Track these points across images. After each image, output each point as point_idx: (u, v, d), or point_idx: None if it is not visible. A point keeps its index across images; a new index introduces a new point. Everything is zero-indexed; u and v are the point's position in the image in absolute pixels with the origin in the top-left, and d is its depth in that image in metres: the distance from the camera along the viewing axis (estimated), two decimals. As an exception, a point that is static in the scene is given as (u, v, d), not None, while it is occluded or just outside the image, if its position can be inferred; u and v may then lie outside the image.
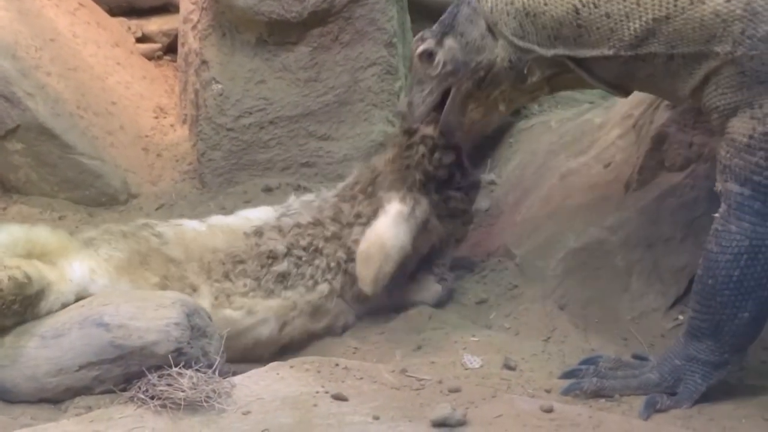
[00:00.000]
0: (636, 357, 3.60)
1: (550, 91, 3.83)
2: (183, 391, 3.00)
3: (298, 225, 3.99)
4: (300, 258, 3.90)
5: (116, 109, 5.20)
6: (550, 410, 3.04)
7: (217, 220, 4.04)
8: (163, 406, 3.00)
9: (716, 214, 3.29)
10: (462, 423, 2.91)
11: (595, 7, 3.28)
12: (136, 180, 4.99)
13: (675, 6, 3.13)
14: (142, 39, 6.14)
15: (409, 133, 4.07)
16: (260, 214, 4.09)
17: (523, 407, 3.04)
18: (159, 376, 3.09)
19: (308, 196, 4.24)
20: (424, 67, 3.87)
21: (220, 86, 4.90)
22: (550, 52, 3.49)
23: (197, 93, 5.02)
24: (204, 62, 4.97)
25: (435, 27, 3.85)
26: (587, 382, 3.36)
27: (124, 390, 3.17)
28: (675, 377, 3.33)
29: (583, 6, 3.29)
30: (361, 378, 3.19)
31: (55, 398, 3.26)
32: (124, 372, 3.20)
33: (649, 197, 3.99)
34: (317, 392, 3.09)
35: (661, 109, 4.00)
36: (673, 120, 3.97)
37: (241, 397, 3.07)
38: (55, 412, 3.23)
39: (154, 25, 6.23)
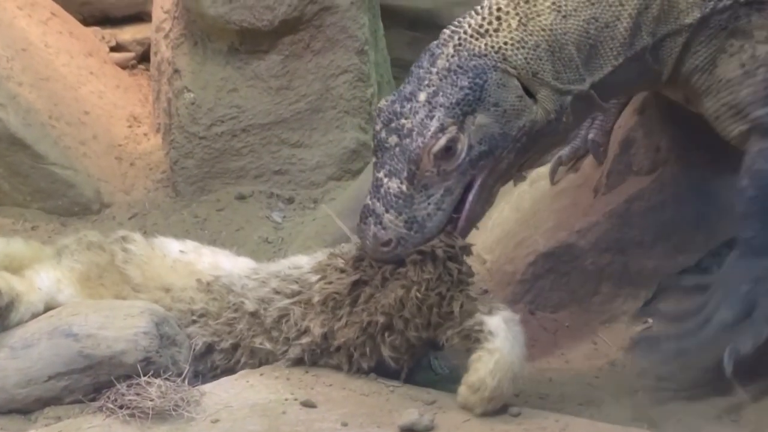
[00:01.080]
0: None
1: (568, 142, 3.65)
2: (151, 400, 3.00)
3: (236, 309, 3.40)
4: (216, 363, 3.41)
5: (89, 119, 5.20)
6: (517, 414, 3.05)
7: (194, 256, 3.65)
8: (132, 415, 3.00)
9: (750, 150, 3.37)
10: (430, 428, 2.92)
11: (596, 20, 3.29)
12: (109, 189, 5.00)
13: None
14: (116, 48, 6.14)
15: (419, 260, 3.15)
16: (233, 265, 3.61)
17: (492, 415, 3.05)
18: (128, 386, 3.09)
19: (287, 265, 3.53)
20: (437, 165, 3.12)
21: (192, 95, 4.92)
22: (585, 86, 3.30)
23: (170, 102, 5.03)
24: (176, 71, 4.98)
25: (439, 113, 3.13)
26: (667, 346, 3.42)
27: (93, 400, 3.16)
28: (748, 304, 3.28)
29: (589, 24, 3.28)
30: (331, 385, 3.20)
31: (25, 408, 3.25)
32: (94, 382, 3.20)
33: (617, 201, 4.02)
34: (286, 399, 3.10)
35: (628, 114, 4.04)
36: (640, 124, 4.00)
37: (210, 406, 3.07)
38: (25, 423, 3.22)
39: (127, 34, 6.24)
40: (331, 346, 3.23)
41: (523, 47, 3.20)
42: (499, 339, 3.05)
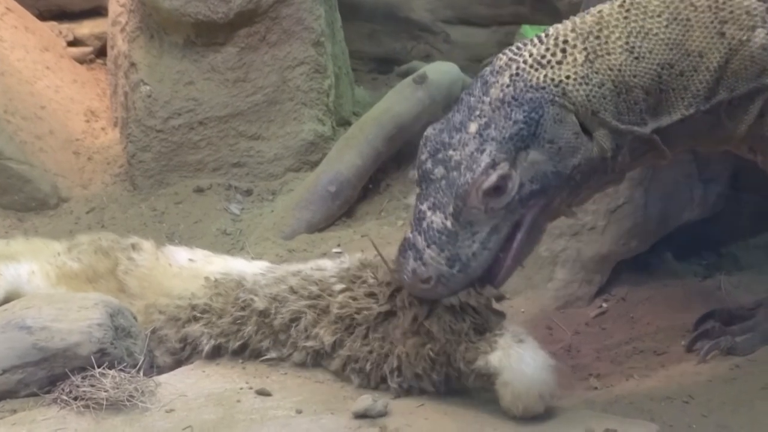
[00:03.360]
0: (741, 308, 3.78)
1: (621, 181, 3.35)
2: (106, 391, 3.00)
3: (244, 307, 3.31)
4: (212, 335, 3.32)
5: (45, 114, 5.18)
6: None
7: (203, 264, 3.57)
8: (86, 406, 2.99)
9: None
10: (383, 414, 2.93)
11: (671, 67, 3.11)
12: (66, 184, 4.98)
13: (730, 48, 3.12)
14: (74, 43, 6.13)
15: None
16: (246, 265, 3.53)
17: (444, 396, 3.08)
18: (82, 377, 3.08)
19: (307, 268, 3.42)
20: (485, 202, 2.92)
21: (148, 88, 4.91)
22: (647, 129, 3.12)
23: (126, 95, 5.02)
24: (132, 64, 4.97)
25: (491, 148, 2.93)
26: (723, 341, 3.57)
27: (49, 392, 3.15)
28: None
29: (662, 69, 3.09)
30: (286, 373, 3.21)
31: (-20, 402, 3.25)
32: (49, 374, 3.18)
33: (571, 187, 4.05)
34: (241, 388, 3.11)
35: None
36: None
37: (165, 396, 3.07)
38: (-21, 417, 3.22)
39: (85, 28, 6.22)
40: (337, 355, 3.17)
41: (587, 84, 3.01)
42: (506, 373, 2.94)
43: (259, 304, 3.25)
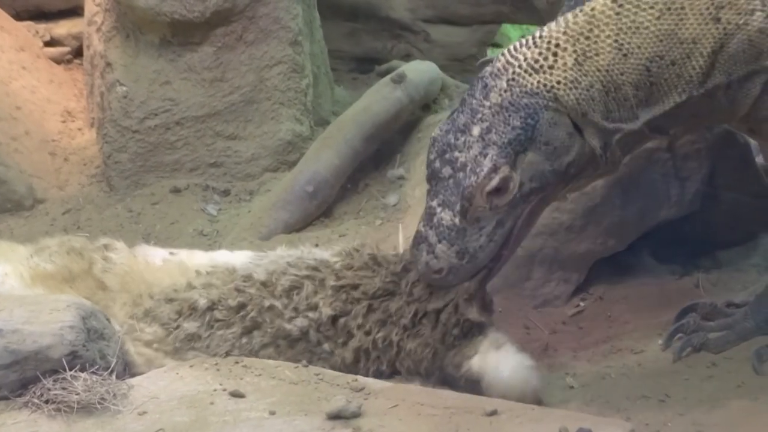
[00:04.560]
0: (730, 305, 3.77)
1: (616, 170, 3.47)
2: (77, 394, 2.97)
3: (246, 279, 3.50)
4: (217, 320, 3.43)
5: (21, 114, 5.15)
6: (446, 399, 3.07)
7: (186, 256, 3.70)
8: (57, 410, 2.96)
9: None
10: (357, 415, 2.92)
11: (661, 59, 3.18)
12: (42, 185, 4.95)
13: (725, 33, 3.16)
14: (51, 43, 6.08)
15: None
16: (234, 258, 3.66)
17: (418, 397, 3.07)
18: (54, 380, 3.05)
19: (301, 251, 3.64)
20: (489, 201, 3.18)
21: (124, 88, 4.88)
22: (636, 125, 3.26)
23: (102, 95, 4.99)
24: (108, 64, 4.94)
25: (492, 152, 3.16)
26: (695, 337, 3.58)
27: (20, 396, 3.12)
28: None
29: (651, 62, 3.18)
30: (260, 375, 3.20)
31: (-49, 406, 3.21)
32: (20, 377, 3.15)
33: (548, 187, 4.05)
34: (215, 390, 3.09)
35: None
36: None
37: (137, 398, 3.05)
38: (-49, 421, 3.18)
39: (62, 28, 6.17)
40: (338, 336, 3.37)
41: (576, 88, 3.17)
42: (487, 377, 3.23)
43: (261, 275, 3.46)
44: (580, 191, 3.73)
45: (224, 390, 3.09)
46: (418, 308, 3.35)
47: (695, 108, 3.27)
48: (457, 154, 3.21)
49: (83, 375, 3.05)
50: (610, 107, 3.21)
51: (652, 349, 3.71)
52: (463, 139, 3.21)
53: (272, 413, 2.96)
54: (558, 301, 4.01)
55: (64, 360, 3.09)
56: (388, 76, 5.11)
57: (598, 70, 3.17)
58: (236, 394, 3.07)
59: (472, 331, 3.35)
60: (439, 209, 3.24)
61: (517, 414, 2.98)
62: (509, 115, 3.15)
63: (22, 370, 3.15)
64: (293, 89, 4.98)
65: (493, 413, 2.97)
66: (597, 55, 3.17)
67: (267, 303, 3.41)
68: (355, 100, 5.21)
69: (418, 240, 3.28)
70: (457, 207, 3.20)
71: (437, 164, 3.26)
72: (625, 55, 3.17)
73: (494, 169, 3.14)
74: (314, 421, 2.91)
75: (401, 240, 3.83)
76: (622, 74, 3.17)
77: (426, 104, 5.26)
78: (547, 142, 3.17)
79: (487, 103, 3.19)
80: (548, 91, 3.15)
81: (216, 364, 3.26)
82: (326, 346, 3.39)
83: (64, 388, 3.02)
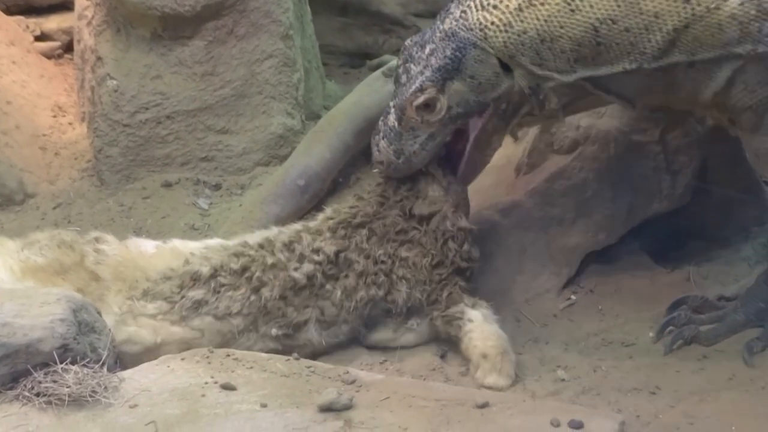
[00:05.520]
0: (721, 298, 3.81)
1: (564, 116, 3.64)
2: (68, 387, 2.97)
3: (243, 244, 3.73)
4: (223, 284, 3.56)
5: (11, 109, 5.11)
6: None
7: (178, 243, 3.84)
8: (48, 402, 2.97)
9: None
10: (348, 407, 2.93)
11: (614, 23, 3.24)
12: (32, 179, 4.92)
13: (693, 14, 3.18)
14: (41, 37, 6.03)
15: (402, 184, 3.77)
16: (221, 240, 3.88)
17: (409, 390, 3.07)
18: (45, 373, 3.05)
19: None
20: (420, 115, 3.56)
21: (115, 82, 4.86)
22: (571, 77, 3.39)
23: (93, 90, 4.97)
24: (99, 58, 4.92)
25: (427, 74, 3.51)
26: (687, 330, 3.60)
27: (11, 389, 3.11)
28: (760, 318, 3.57)
29: (601, 23, 3.25)
30: (251, 367, 3.20)
31: (-58, 400, 3.20)
32: (11, 371, 3.14)
33: (539, 180, 4.07)
34: (206, 383, 3.09)
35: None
36: (560, 104, 4.04)
37: (129, 391, 3.05)
38: (-59, 415, 3.17)
39: (53, 23, 6.13)
40: (341, 270, 3.64)
41: (506, 31, 3.36)
42: (478, 321, 3.57)
43: (256, 240, 3.72)
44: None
45: (215, 382, 3.10)
46: (405, 206, 3.73)
47: (649, 80, 3.34)
48: (412, 66, 3.59)
49: (74, 368, 3.06)
50: (543, 55, 3.36)
51: (643, 342, 3.72)
52: (418, 54, 3.58)
53: (263, 406, 2.97)
54: (549, 294, 4.01)
55: (55, 353, 3.09)
56: (380, 70, 5.09)
57: (537, 19, 3.32)
58: (227, 387, 3.07)
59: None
60: (391, 110, 3.64)
61: (509, 406, 2.99)
62: (446, 44, 3.47)
63: (13, 364, 3.14)
64: (284, 83, 4.96)
65: (485, 405, 2.98)
66: (542, 4, 3.30)
67: (270, 260, 3.62)
68: (346, 95, 5.20)
69: (375, 132, 3.72)
70: (398, 114, 3.61)
71: (400, 70, 3.64)
72: (572, 10, 3.27)
73: (421, 89, 3.52)
74: (305, 414, 2.92)
75: None
76: (562, 27, 3.31)
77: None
78: (472, 76, 3.47)
79: (441, 27, 3.50)
80: (480, 30, 3.39)
81: (207, 357, 3.27)
82: (329, 285, 3.61)
83: (55, 381, 3.02)
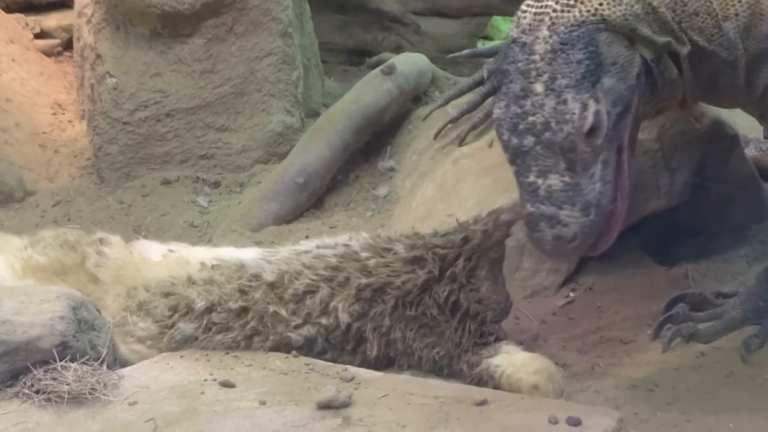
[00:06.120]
0: (719, 295, 3.80)
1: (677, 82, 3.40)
2: (67, 384, 2.97)
3: (255, 276, 3.37)
4: (215, 323, 3.30)
5: (11, 106, 5.14)
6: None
7: (190, 250, 3.66)
8: (48, 400, 2.97)
9: None
10: (347, 404, 2.93)
11: (684, 4, 3.28)
12: (32, 177, 4.94)
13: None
14: (41, 35, 6.07)
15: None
16: (242, 254, 3.56)
17: (408, 387, 3.08)
18: (44, 371, 3.05)
19: (315, 245, 3.53)
20: (589, 144, 3.03)
21: (114, 80, 4.88)
22: (685, 49, 3.29)
23: (92, 87, 4.99)
24: (98, 56, 4.94)
25: (572, 91, 3.02)
26: (685, 327, 3.59)
27: (10, 386, 3.12)
28: (758, 315, 3.58)
29: (676, 3, 3.25)
30: (250, 365, 3.20)
31: (-59, 397, 3.21)
32: (11, 368, 3.15)
33: (536, 177, 4.04)
34: (205, 380, 3.10)
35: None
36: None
37: (128, 388, 3.06)
38: (-59, 412, 3.18)
39: (52, 20, 6.16)
40: (347, 343, 3.33)
41: (619, 5, 3.13)
42: (505, 363, 3.27)
43: (269, 276, 3.34)
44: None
45: (214, 380, 3.10)
46: (450, 290, 3.33)
47: (714, 70, 3.33)
48: (531, 119, 3.04)
49: (74, 365, 3.05)
50: (653, 27, 3.19)
51: (641, 339, 3.72)
52: (529, 102, 3.05)
53: (262, 403, 2.97)
54: (548, 292, 4.01)
55: (54, 350, 3.09)
56: (379, 68, 5.11)
57: None
58: (226, 384, 3.07)
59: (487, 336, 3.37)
60: (540, 181, 3.03)
61: (507, 403, 2.99)
62: (568, 54, 3.04)
63: (12, 361, 3.14)
64: (284, 81, 4.98)
65: (483, 402, 2.98)
66: None
67: (271, 309, 3.30)
68: (345, 92, 5.21)
69: (534, 222, 3.05)
70: (561, 165, 3.02)
71: (514, 141, 3.06)
72: None
73: (584, 108, 3.00)
74: (304, 411, 2.92)
75: None
76: None
77: (416, 96, 5.26)
78: (614, 62, 3.08)
79: (536, 57, 3.07)
80: (593, 15, 3.08)
81: (207, 354, 3.27)
82: (329, 354, 3.33)
83: (54, 379, 3.02)
